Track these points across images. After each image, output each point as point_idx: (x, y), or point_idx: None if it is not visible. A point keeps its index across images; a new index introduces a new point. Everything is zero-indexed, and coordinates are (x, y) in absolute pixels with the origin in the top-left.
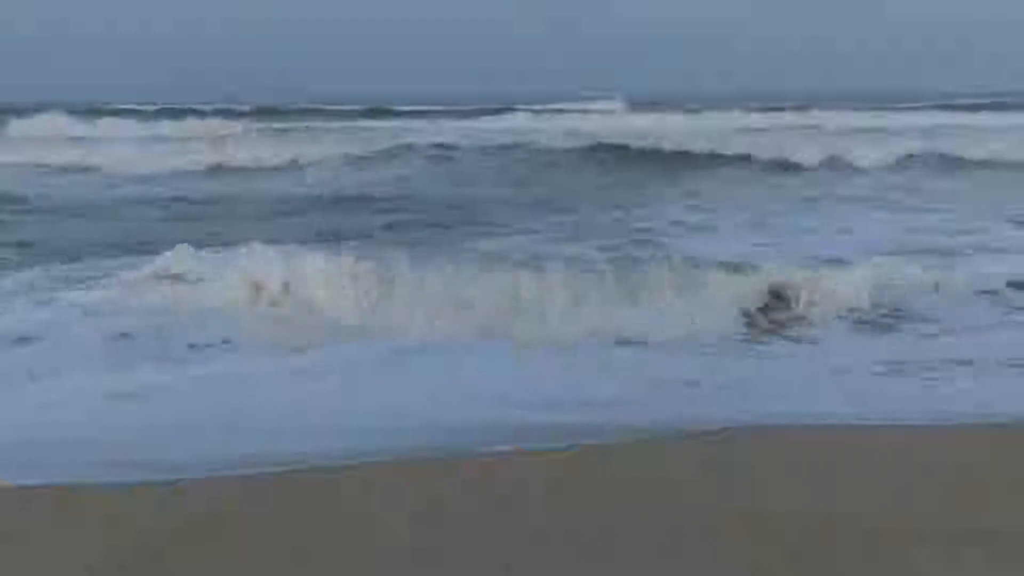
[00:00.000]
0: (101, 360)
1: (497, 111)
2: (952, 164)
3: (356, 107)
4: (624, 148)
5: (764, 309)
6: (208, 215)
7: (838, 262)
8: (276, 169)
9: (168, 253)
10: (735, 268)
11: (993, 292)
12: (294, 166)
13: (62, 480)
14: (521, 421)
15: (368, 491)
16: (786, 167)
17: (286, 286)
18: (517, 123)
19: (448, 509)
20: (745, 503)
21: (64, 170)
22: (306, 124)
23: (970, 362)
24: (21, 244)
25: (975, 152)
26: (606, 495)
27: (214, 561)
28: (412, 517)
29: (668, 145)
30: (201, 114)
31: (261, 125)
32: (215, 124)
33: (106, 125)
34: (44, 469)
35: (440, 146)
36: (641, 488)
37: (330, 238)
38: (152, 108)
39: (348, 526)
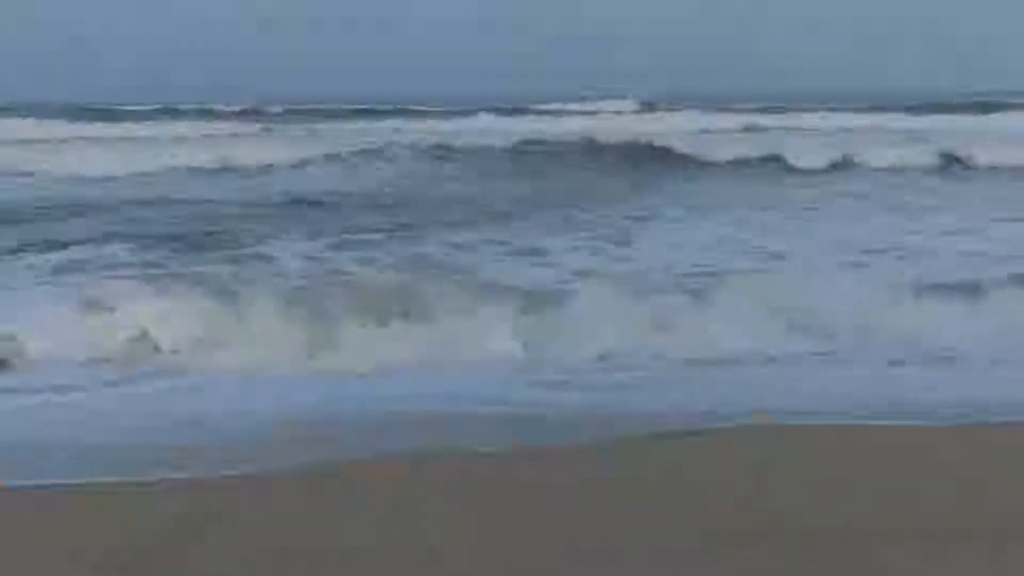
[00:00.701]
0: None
1: (497, 111)
2: (954, 165)
3: (353, 107)
4: (625, 148)
5: None
6: (200, 216)
7: None
8: (271, 168)
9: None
10: None
11: None
12: (289, 166)
13: (62, 480)
14: (520, 419)
15: (367, 490)
16: (790, 168)
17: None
18: (517, 123)
19: (441, 509)
20: (746, 502)
21: (54, 172)
22: (304, 125)
23: None
24: None
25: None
26: (606, 495)
27: (215, 561)
28: (400, 517)
29: (674, 145)
30: (195, 114)
31: (258, 125)
32: (209, 124)
33: (100, 125)
34: (43, 469)
35: (437, 145)
36: (641, 488)
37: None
38: (145, 108)
39: (348, 525)
